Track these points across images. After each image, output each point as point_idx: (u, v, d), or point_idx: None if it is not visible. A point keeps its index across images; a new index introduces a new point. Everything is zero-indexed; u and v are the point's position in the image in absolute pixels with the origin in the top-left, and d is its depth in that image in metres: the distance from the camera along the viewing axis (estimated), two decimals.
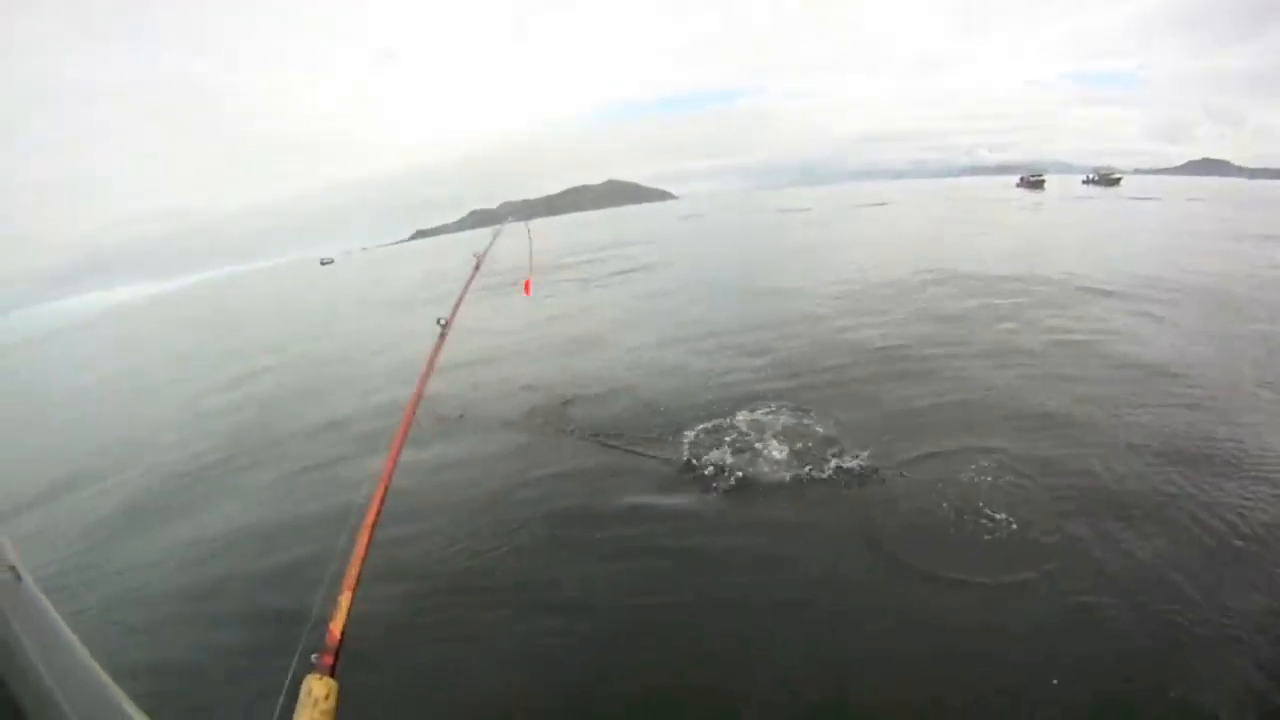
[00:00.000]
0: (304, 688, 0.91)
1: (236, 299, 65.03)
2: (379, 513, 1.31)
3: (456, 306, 2.40)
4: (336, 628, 1.02)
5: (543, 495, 6.60)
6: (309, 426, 10.64)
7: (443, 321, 2.24)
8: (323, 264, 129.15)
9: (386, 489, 1.38)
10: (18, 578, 1.38)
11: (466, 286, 2.72)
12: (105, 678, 1.26)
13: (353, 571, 1.14)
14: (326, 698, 0.91)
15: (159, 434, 12.21)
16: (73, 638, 1.35)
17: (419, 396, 1.82)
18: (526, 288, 4.72)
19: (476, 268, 2.92)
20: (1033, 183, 66.22)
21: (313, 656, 0.98)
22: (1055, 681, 3.60)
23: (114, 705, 1.23)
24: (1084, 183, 67.43)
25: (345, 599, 1.06)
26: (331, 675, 0.93)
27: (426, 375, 1.95)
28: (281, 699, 0.98)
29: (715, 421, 7.80)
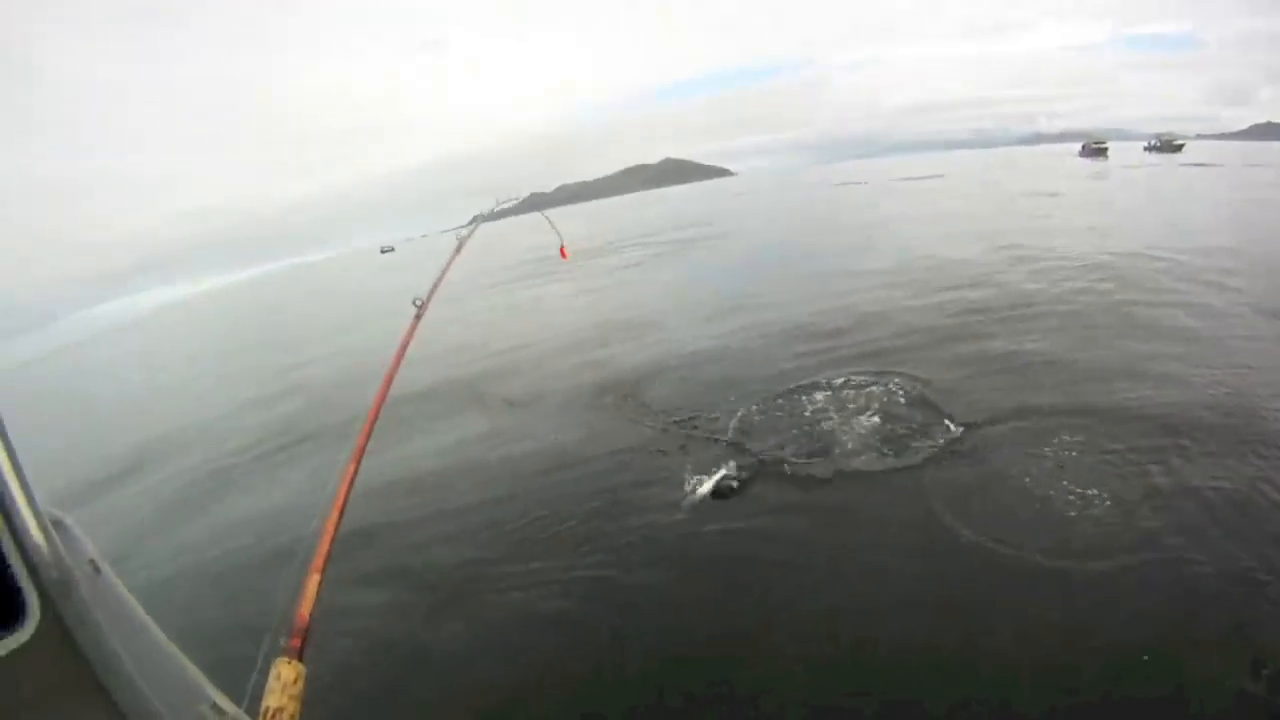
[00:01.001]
0: (273, 671, 0.91)
1: (294, 291, 65.65)
2: (347, 496, 1.27)
3: (435, 288, 2.32)
4: (305, 611, 1.00)
5: (605, 471, 6.69)
6: (344, 414, 10.88)
7: (419, 302, 2.13)
8: (383, 252, 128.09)
9: (355, 473, 1.34)
10: (97, 570, 1.48)
11: (446, 268, 2.58)
12: (183, 659, 1.23)
13: (321, 554, 1.11)
14: (295, 681, 0.89)
15: (217, 423, 13.32)
16: (150, 623, 1.42)
17: (390, 380, 1.72)
18: (563, 253, 4.93)
19: (458, 249, 2.78)
20: (1096, 150, 63.52)
21: (281, 640, 0.96)
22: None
23: (192, 685, 1.29)
24: (1146, 149, 64.43)
25: (313, 582, 1.04)
26: (299, 659, 0.92)
27: (399, 358, 1.85)
28: (254, 678, 0.97)
29: (793, 394, 7.83)
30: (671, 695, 3.86)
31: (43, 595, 1.47)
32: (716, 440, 6.87)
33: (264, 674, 0.96)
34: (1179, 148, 62.84)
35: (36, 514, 1.59)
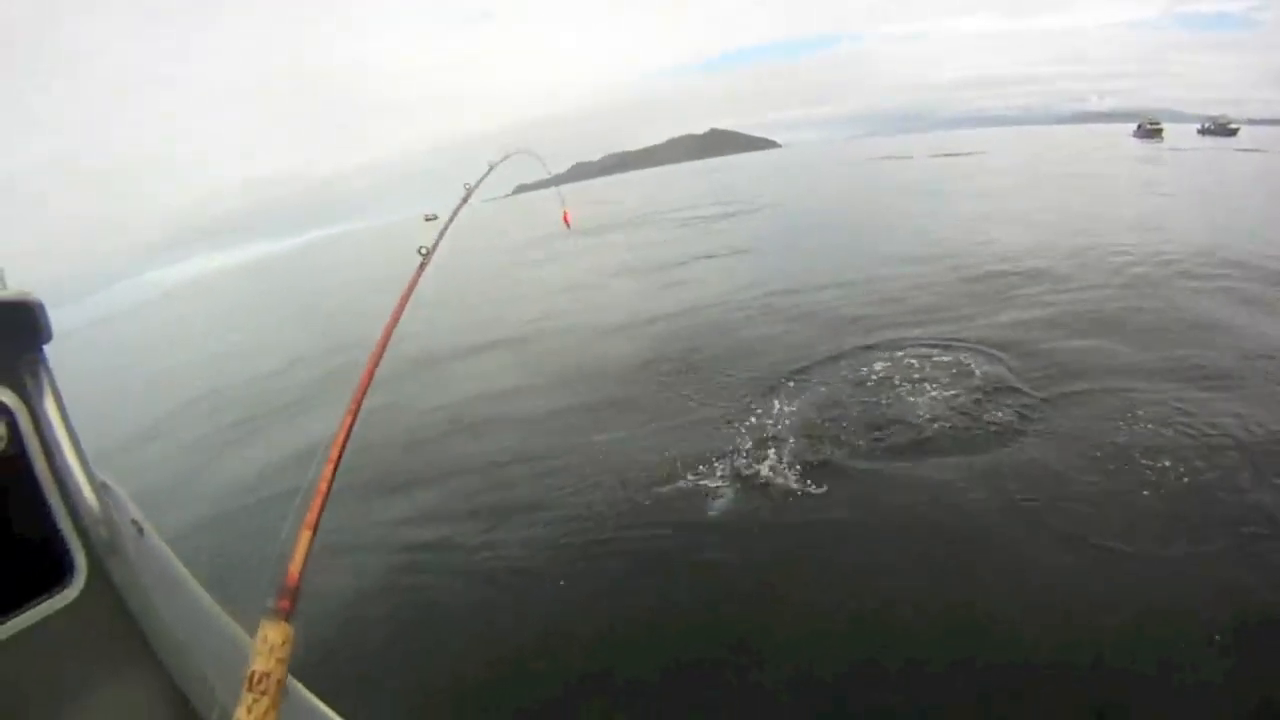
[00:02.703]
0: (259, 634, 0.85)
1: (339, 259, 65.60)
2: (343, 449, 1.17)
3: (440, 237, 2.17)
4: (295, 569, 0.95)
5: (658, 440, 6.64)
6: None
7: (424, 250, 2.00)
8: (427, 220, 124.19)
9: (352, 425, 1.23)
10: (140, 531, 1.62)
11: (453, 216, 2.46)
12: (226, 619, 1.30)
13: (314, 509, 1.04)
14: (282, 644, 0.85)
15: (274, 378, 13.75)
16: (194, 583, 1.57)
17: (389, 331, 1.56)
18: (565, 219, 4.62)
19: (465, 199, 2.59)
20: (1150, 131, 61.15)
21: (268, 601, 0.90)
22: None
23: (237, 646, 1.37)
24: (1199, 132, 62.44)
25: (305, 538, 0.99)
26: (287, 620, 0.87)
27: (400, 308, 1.69)
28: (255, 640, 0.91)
29: (848, 365, 7.76)
30: (714, 654, 3.85)
31: (90, 555, 1.66)
32: (773, 412, 6.66)
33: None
34: (1233, 131, 60.28)
35: (90, 477, 1.78)
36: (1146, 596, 3.79)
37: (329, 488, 1.12)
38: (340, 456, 1.18)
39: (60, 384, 2.01)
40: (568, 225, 4.72)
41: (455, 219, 2.53)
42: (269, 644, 0.87)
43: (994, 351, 7.64)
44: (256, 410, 11.55)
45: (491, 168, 2.74)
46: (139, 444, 11.26)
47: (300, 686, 1.61)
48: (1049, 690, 3.31)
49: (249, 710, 0.81)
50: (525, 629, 4.40)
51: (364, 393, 1.35)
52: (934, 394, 6.66)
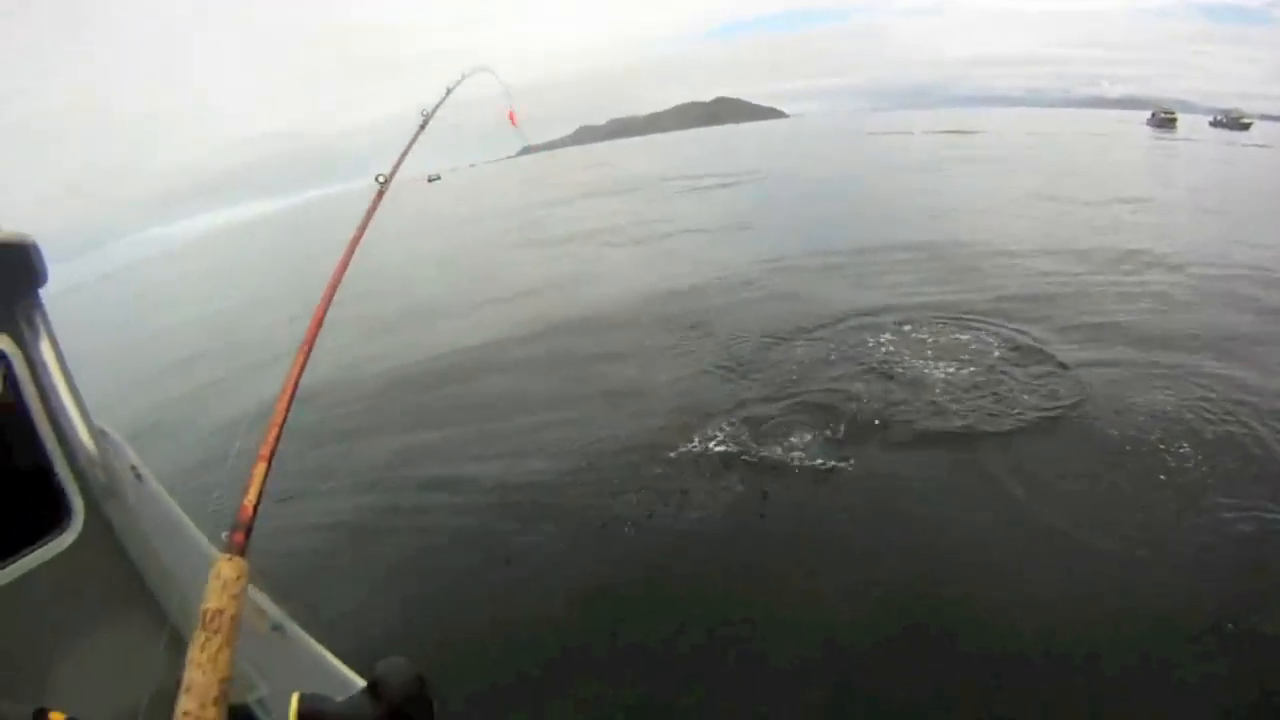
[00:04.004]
0: (212, 570, 0.82)
1: (339, 214, 65.73)
2: (298, 379, 1.14)
3: (398, 164, 2.10)
4: (249, 503, 0.91)
5: (663, 405, 6.69)
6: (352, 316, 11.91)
7: (382, 178, 1.94)
8: (430, 181, 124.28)
9: (309, 352, 1.19)
10: (139, 477, 1.64)
11: (411, 143, 2.30)
12: (218, 555, 1.18)
13: (269, 441, 1.01)
14: (236, 579, 0.82)
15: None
16: (192, 526, 1.58)
17: (346, 260, 1.51)
18: (511, 118, 4.03)
19: (422, 126, 2.39)
20: (1164, 120, 60.28)
21: (223, 534, 0.87)
22: None
23: None
24: (1211, 124, 61.57)
25: (259, 470, 0.95)
26: (242, 554, 0.84)
27: (358, 236, 1.63)
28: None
29: (860, 337, 7.61)
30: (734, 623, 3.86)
31: (88, 500, 1.70)
32: (777, 386, 6.65)
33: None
34: (1246, 126, 58.99)
35: (87, 423, 1.80)
36: (1165, 592, 3.72)
37: (284, 419, 1.08)
38: (295, 388, 1.15)
39: (61, 338, 1.96)
40: (513, 124, 4.37)
41: (413, 145, 2.48)
42: (222, 579, 0.83)
43: (1006, 326, 7.60)
44: (257, 359, 11.74)
45: (449, 91, 2.65)
46: (136, 394, 11.57)
47: (296, 626, 1.65)
48: (1053, 688, 3.29)
49: (202, 649, 0.77)
50: (523, 584, 4.46)
51: (319, 324, 1.31)
52: (948, 369, 6.60)
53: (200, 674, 0.75)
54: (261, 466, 0.99)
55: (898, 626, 3.73)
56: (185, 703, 0.73)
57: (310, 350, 1.24)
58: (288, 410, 1.10)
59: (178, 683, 0.76)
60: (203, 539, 1.67)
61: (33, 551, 1.76)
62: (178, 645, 1.65)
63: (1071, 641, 3.48)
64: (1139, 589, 3.77)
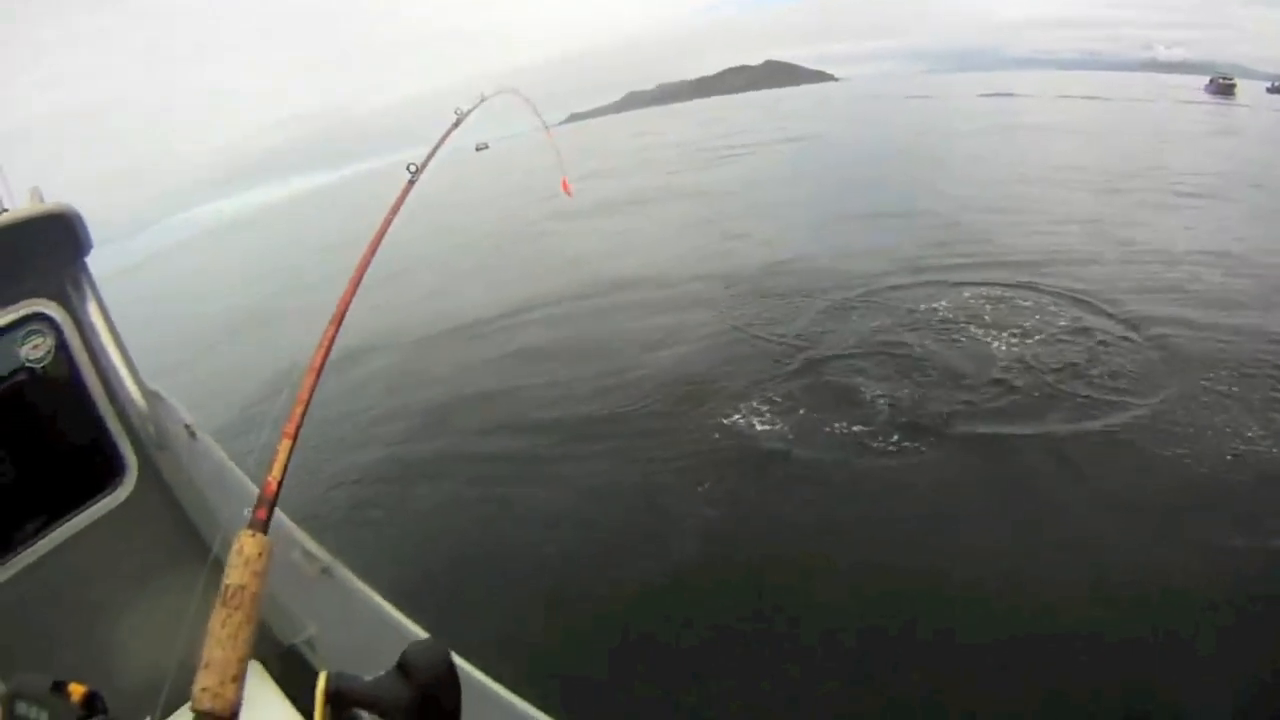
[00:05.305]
0: (234, 545, 0.83)
1: (377, 191, 55.47)
2: (325, 357, 1.16)
3: (429, 157, 2.07)
4: (273, 479, 0.93)
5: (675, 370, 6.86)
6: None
7: (413, 168, 1.92)
8: (477, 150, 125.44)
9: (336, 331, 1.22)
10: (192, 435, 1.75)
11: (442, 139, 2.30)
12: (278, 511, 1.20)
13: (294, 419, 1.03)
14: (259, 556, 0.83)
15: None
16: (246, 480, 1.65)
17: (379, 238, 1.53)
18: (565, 187, 4.18)
19: (455, 124, 2.42)
20: (1223, 87, 58.26)
21: (245, 511, 0.89)
22: None
23: (286, 535, 1.42)
24: (1269, 90, 59.48)
25: (284, 448, 0.97)
26: (264, 531, 0.86)
27: (390, 218, 1.65)
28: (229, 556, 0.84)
29: (911, 306, 7.43)
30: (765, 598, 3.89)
31: (140, 455, 1.76)
32: (840, 346, 6.66)
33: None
34: None
35: (138, 382, 1.85)
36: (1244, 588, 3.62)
37: (310, 396, 1.09)
38: (323, 365, 1.16)
39: (121, 309, 2.03)
40: (568, 194, 4.32)
41: (444, 143, 2.45)
42: (244, 556, 0.83)
43: (1071, 294, 7.48)
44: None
45: (471, 109, 2.66)
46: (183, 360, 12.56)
47: (344, 569, 1.69)
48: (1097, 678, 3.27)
49: (223, 625, 0.77)
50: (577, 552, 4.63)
51: (348, 304, 1.32)
52: (1011, 341, 6.42)
53: (220, 650, 0.75)
54: (286, 444, 1.00)
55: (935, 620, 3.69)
56: (204, 678, 0.73)
57: (337, 330, 1.25)
58: (313, 391, 1.11)
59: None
60: (255, 489, 1.58)
61: (89, 508, 1.84)
62: None
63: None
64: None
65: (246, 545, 0.85)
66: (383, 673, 0.79)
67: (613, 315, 9.47)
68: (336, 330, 1.26)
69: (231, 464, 1.82)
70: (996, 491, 4.64)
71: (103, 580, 1.82)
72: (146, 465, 1.91)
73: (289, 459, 0.99)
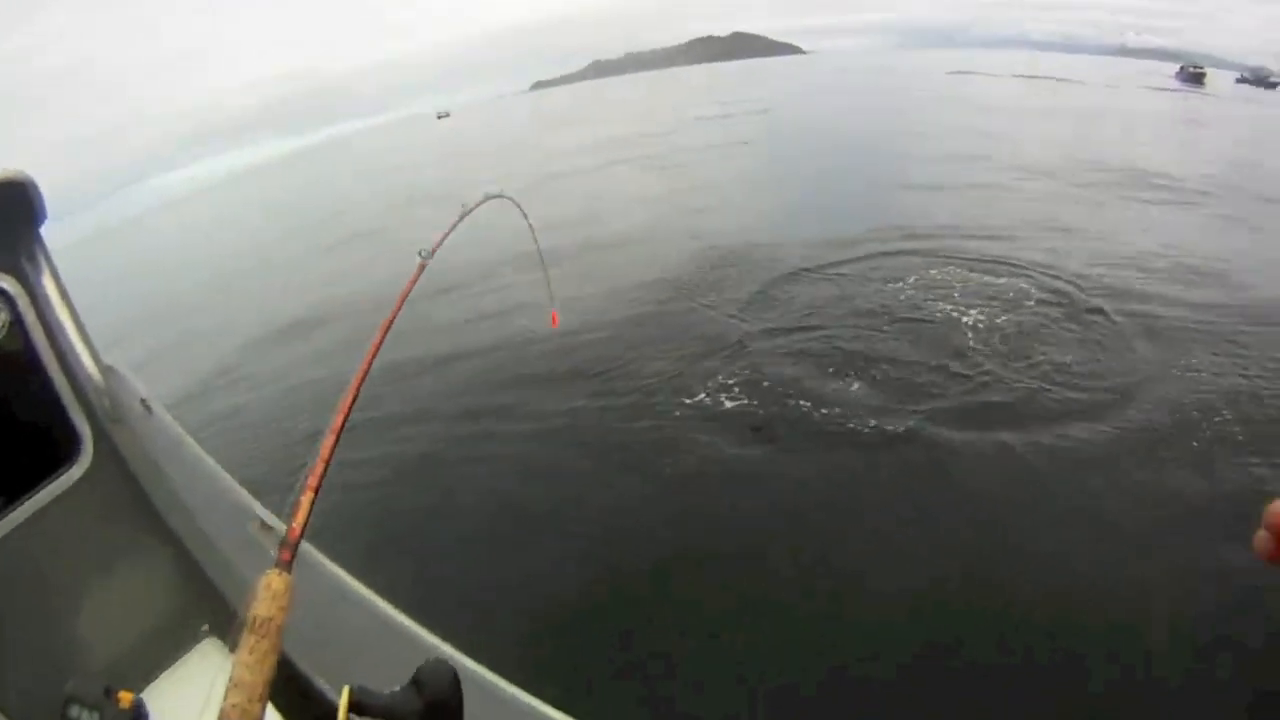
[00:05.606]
0: (262, 582, 0.94)
1: (355, 154, 66.92)
2: (347, 417, 1.23)
3: (439, 243, 1.93)
4: (297, 526, 1.04)
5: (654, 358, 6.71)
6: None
7: (424, 254, 1.86)
8: (439, 118, 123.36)
9: (354, 400, 1.28)
10: (149, 410, 1.67)
11: (450, 230, 2.06)
12: (233, 483, 1.35)
13: (316, 474, 1.12)
14: (284, 592, 0.94)
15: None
16: (202, 454, 1.62)
17: (389, 324, 1.50)
18: (554, 320, 3.83)
19: (461, 217, 2.13)
20: (1193, 76, 58.72)
21: (272, 552, 1.00)
22: None
23: (242, 506, 1.42)
24: (1237, 81, 60.18)
25: (307, 499, 1.08)
26: (289, 570, 0.97)
27: (401, 303, 1.60)
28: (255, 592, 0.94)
29: (881, 275, 7.57)
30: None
31: (96, 430, 1.71)
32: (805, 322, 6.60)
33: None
34: (1274, 85, 57.02)
35: (94, 355, 1.78)
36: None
37: (330, 456, 1.19)
38: (342, 428, 1.24)
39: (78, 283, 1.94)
40: (555, 325, 4.11)
41: (455, 229, 2.25)
42: (272, 591, 0.94)
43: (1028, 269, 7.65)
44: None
45: (475, 205, 2.44)
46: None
47: (357, 585, 1.69)
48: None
49: (250, 651, 0.86)
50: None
51: (363, 377, 1.36)
52: (979, 316, 6.44)
53: (248, 673, 0.84)
54: (309, 496, 1.10)
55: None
56: (233, 696, 0.82)
57: (353, 403, 1.30)
58: (333, 451, 1.19)
59: (191, 611, 0.94)
60: (214, 465, 1.68)
61: (47, 486, 1.78)
62: (188, 568, 1.71)
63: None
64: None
65: (274, 582, 0.95)
66: (397, 687, 0.92)
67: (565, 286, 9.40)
68: (354, 399, 1.32)
69: (189, 438, 1.79)
70: (956, 477, 4.72)
71: (63, 558, 1.79)
72: (102, 440, 1.86)
73: (311, 510, 1.10)
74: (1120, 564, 3.85)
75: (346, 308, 10.99)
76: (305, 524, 1.07)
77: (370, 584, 1.70)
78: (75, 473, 1.79)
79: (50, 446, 1.84)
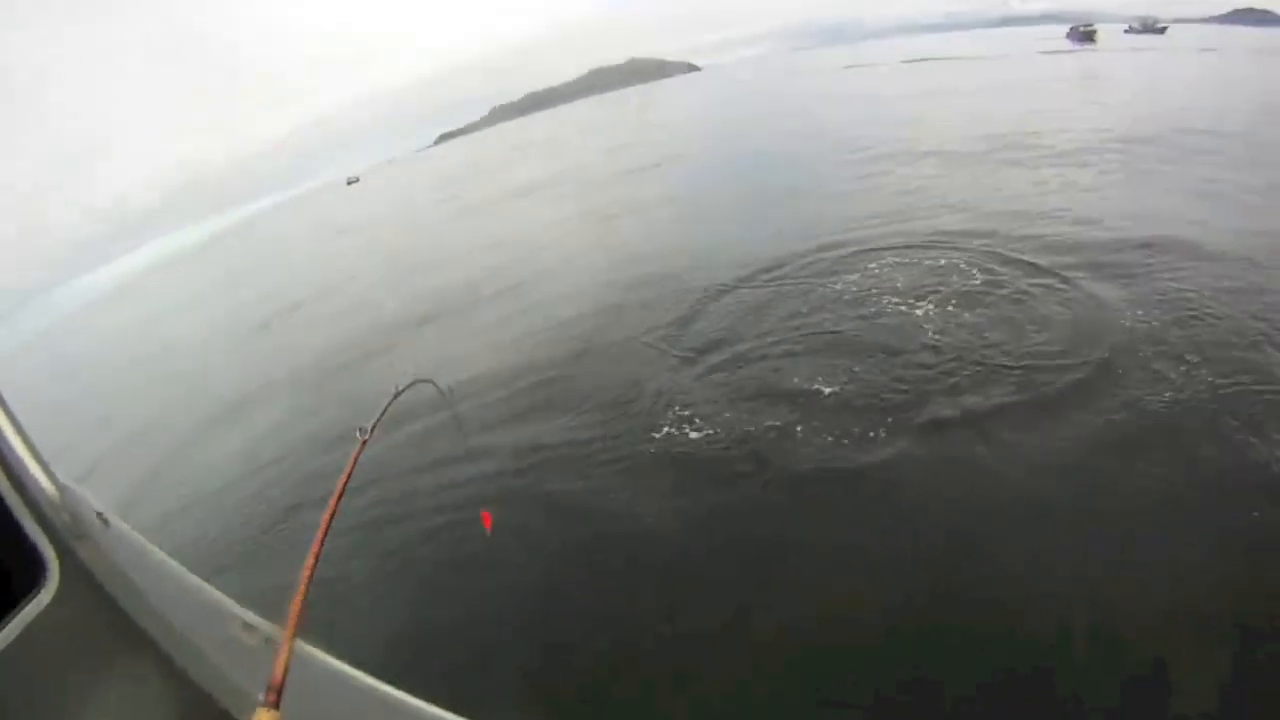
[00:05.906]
0: (254, 717, 0.99)
1: (259, 243, 62.74)
2: (310, 581, 1.26)
3: (376, 422, 2.11)
4: (279, 669, 1.06)
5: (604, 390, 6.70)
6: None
7: (363, 432, 1.98)
8: (349, 183, 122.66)
9: (323, 541, 1.32)
10: (105, 523, 1.63)
11: (386, 407, 2.33)
12: (206, 587, 1.32)
13: (291, 622, 1.16)
14: None
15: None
16: (168, 560, 1.57)
17: (333, 509, 1.57)
18: (486, 521, 3.93)
19: (395, 396, 2.50)
20: (1085, 34, 59.05)
21: (259, 695, 1.04)
22: None
23: (222, 609, 1.38)
24: (1126, 32, 60.62)
25: (286, 648, 1.12)
26: (276, 708, 1.00)
27: (344, 484, 1.70)
28: None
29: (824, 282, 7.40)
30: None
31: (60, 551, 1.66)
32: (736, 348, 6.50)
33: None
34: (1162, 30, 58.32)
35: (49, 474, 1.73)
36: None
37: (302, 604, 1.25)
38: (306, 592, 1.29)
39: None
40: (488, 528, 4.09)
41: (387, 410, 2.44)
42: None
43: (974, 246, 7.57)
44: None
45: (404, 388, 2.74)
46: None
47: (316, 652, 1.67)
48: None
49: None
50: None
51: (318, 552, 1.39)
52: (930, 307, 6.30)
53: None
54: (288, 646, 1.15)
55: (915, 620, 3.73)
56: None
57: (315, 564, 1.35)
58: (303, 604, 1.25)
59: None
60: (183, 571, 1.63)
61: (15, 616, 1.69)
62: (175, 678, 1.69)
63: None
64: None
65: (263, 718, 1.02)
66: None
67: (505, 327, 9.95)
68: (315, 562, 1.38)
69: (152, 546, 1.72)
70: (943, 473, 4.68)
71: (45, 687, 1.72)
72: (68, 559, 1.79)
73: (290, 650, 1.16)
74: (1102, 557, 3.87)
75: (278, 385, 11.43)
76: (286, 665, 1.12)
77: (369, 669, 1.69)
78: (44, 597, 1.70)
79: (15, 575, 1.76)
